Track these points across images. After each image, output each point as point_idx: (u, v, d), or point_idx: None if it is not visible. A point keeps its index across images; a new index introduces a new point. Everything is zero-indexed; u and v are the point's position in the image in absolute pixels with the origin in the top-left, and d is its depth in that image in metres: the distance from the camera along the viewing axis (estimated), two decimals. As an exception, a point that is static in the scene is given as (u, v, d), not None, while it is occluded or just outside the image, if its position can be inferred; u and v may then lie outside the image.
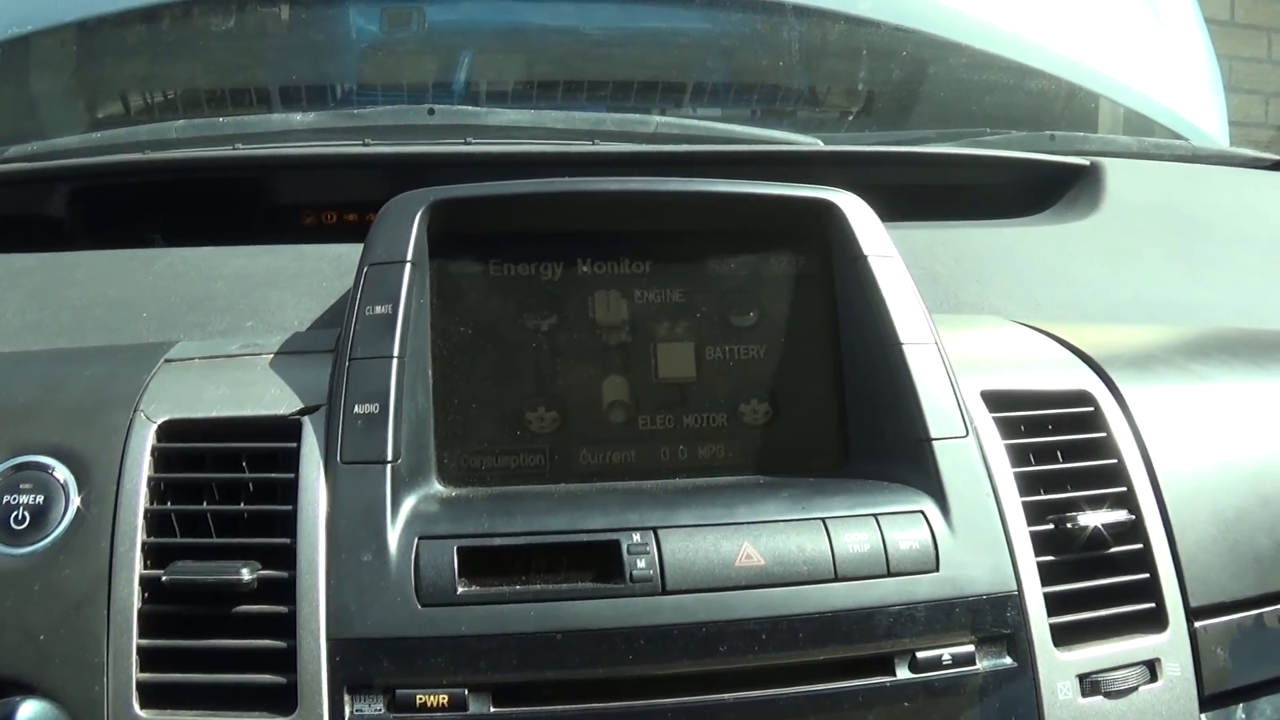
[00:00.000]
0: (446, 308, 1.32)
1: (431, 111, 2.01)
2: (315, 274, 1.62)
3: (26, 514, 1.19)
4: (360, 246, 1.45)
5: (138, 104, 2.31)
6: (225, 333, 1.53)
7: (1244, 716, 1.32)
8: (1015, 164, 2.09)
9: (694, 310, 1.36)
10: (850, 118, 2.42)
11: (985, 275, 1.77)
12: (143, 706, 1.12)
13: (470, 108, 2.07)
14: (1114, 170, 2.09)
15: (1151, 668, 1.28)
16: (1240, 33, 4.50)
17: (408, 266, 1.29)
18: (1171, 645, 1.29)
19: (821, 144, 2.04)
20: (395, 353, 1.25)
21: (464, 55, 2.39)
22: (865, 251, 1.35)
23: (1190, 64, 2.70)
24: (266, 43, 2.39)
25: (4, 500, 1.20)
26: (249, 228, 1.89)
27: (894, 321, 1.32)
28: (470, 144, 1.93)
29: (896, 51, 2.41)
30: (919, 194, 1.92)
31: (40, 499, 1.20)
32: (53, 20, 2.31)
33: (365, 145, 1.93)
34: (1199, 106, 2.59)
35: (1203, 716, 1.29)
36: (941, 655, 1.21)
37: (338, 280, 1.58)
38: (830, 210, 1.38)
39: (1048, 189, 2.08)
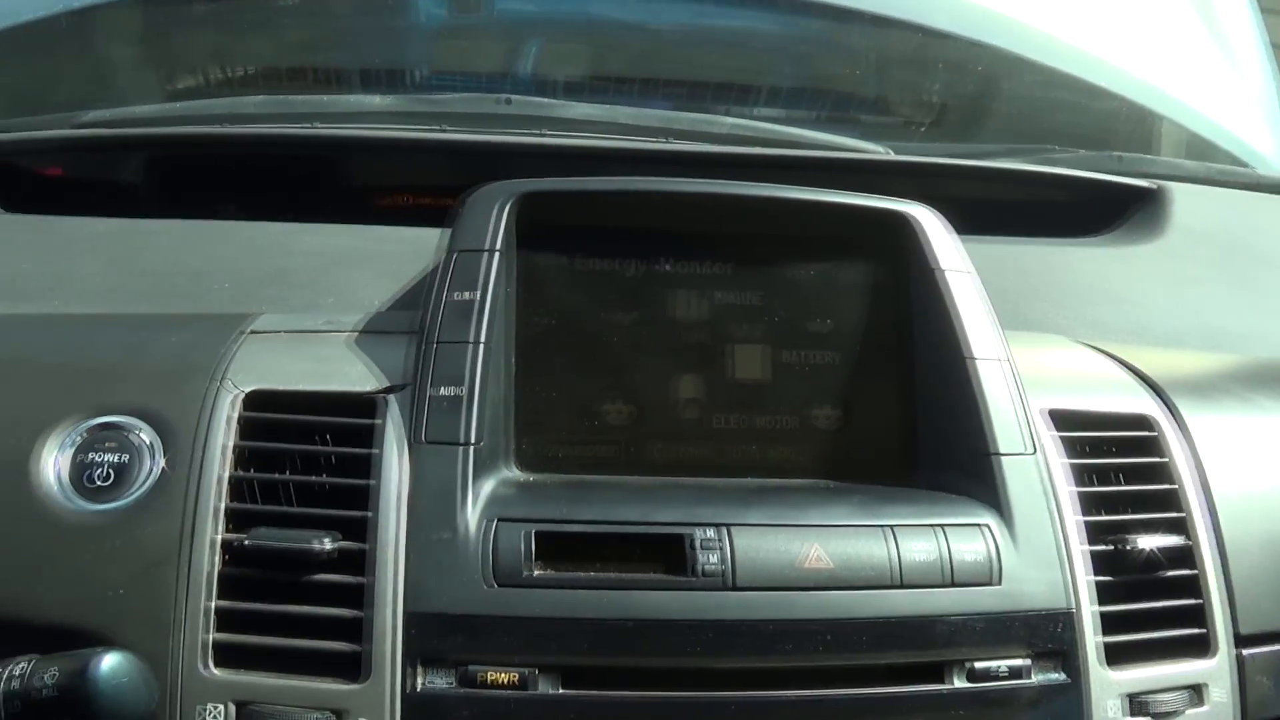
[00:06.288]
0: (529, 297, 1.34)
1: (508, 101, 2.03)
2: (392, 255, 1.64)
3: (110, 472, 1.22)
4: (434, 230, 1.48)
5: (216, 77, 2.32)
6: (304, 308, 1.55)
7: (1284, 745, 1.34)
8: (1082, 183, 2.10)
9: (770, 314, 1.38)
10: (920, 128, 2.42)
11: (1050, 293, 1.78)
12: (215, 665, 1.15)
13: (546, 99, 2.08)
14: (1179, 195, 2.09)
15: (1197, 692, 1.29)
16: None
17: (493, 255, 1.32)
18: (1218, 671, 1.30)
19: (891, 153, 2.05)
20: (480, 338, 1.28)
21: (542, 47, 2.39)
22: (940, 265, 1.38)
23: (1256, 91, 2.70)
24: (346, 23, 2.40)
25: (87, 458, 1.23)
26: (321, 206, 1.90)
27: (966, 336, 1.34)
28: (545, 136, 1.95)
29: (969, 65, 2.40)
30: (984, 208, 1.93)
31: (123, 458, 1.23)
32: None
33: (442, 131, 1.95)
34: (1263, 134, 2.59)
35: (1244, 743, 1.31)
36: (996, 667, 1.22)
37: (413, 262, 1.59)
38: (907, 223, 1.40)
39: (1112, 210, 2.08)
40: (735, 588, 1.18)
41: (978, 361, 1.33)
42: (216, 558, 1.18)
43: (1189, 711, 1.28)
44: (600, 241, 1.37)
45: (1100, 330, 1.72)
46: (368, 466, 1.23)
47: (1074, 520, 1.30)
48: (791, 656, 1.18)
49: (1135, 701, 1.26)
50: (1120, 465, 1.37)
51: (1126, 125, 2.43)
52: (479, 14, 2.41)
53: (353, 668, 1.16)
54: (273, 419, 1.26)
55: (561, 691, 1.16)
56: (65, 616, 1.16)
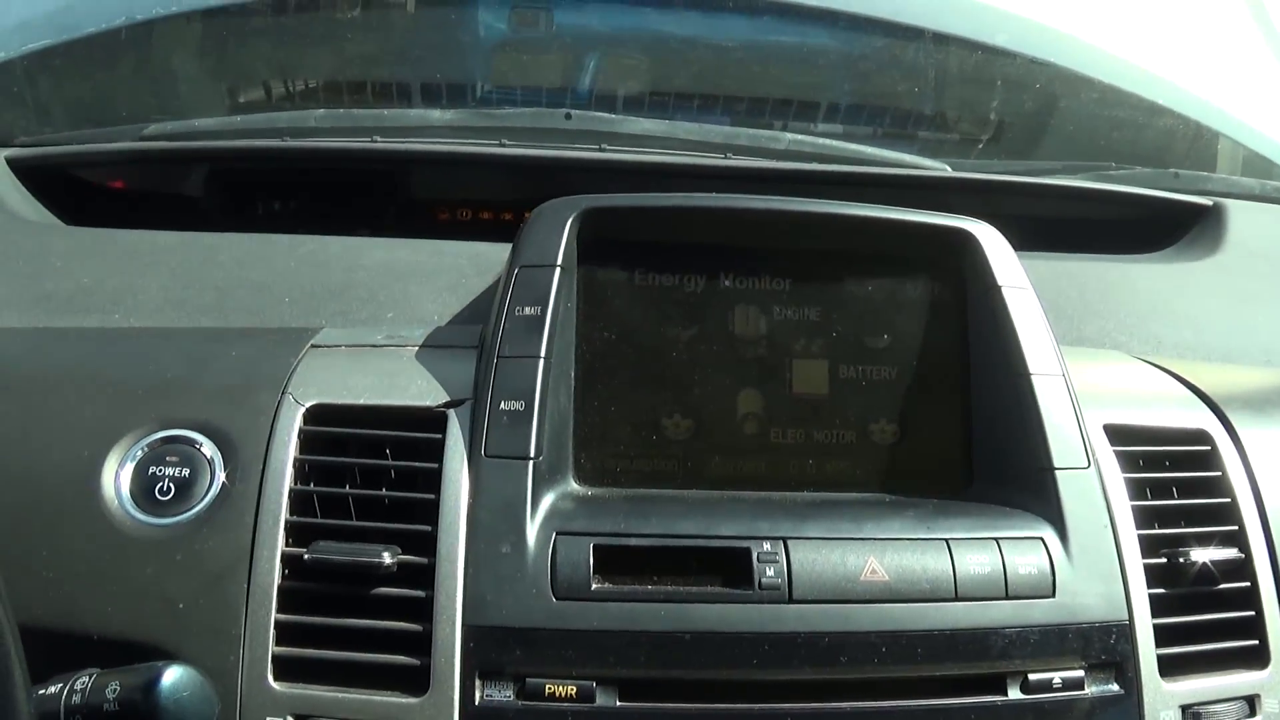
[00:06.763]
0: (592, 312, 1.35)
1: (569, 116, 2.03)
2: (454, 270, 1.66)
3: (171, 486, 1.24)
4: (496, 245, 1.50)
5: (278, 91, 2.33)
6: (366, 322, 1.57)
7: (1339, 756, 1.34)
8: (1140, 200, 2.10)
9: (830, 329, 1.38)
10: (978, 145, 2.41)
11: (1108, 309, 1.79)
12: (276, 679, 1.16)
13: (606, 114, 2.08)
14: (1236, 212, 2.09)
15: (1251, 703, 1.30)
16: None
17: (557, 270, 1.33)
18: (1272, 682, 1.31)
19: (949, 170, 2.06)
20: (542, 353, 1.29)
21: (601, 62, 2.39)
22: (1000, 282, 1.38)
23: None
24: (408, 38, 2.40)
25: (150, 472, 1.25)
26: (382, 220, 1.93)
27: (1024, 352, 1.35)
28: (605, 151, 1.96)
29: (1028, 82, 2.38)
30: (1042, 224, 1.93)
31: (186, 472, 1.24)
32: (198, 3, 2.34)
33: (502, 145, 1.96)
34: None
35: (1298, 754, 1.31)
36: (1052, 678, 1.24)
37: (476, 277, 1.61)
38: (967, 240, 1.41)
39: (1170, 227, 2.09)
40: (793, 600, 1.19)
41: (1036, 377, 1.34)
42: (277, 571, 1.19)
43: (1243, 722, 1.30)
44: (661, 257, 1.38)
45: (1157, 346, 1.73)
46: (430, 480, 1.24)
47: (1130, 533, 1.30)
48: (848, 669, 1.19)
49: (1189, 713, 1.27)
50: (1176, 479, 1.38)
51: (1184, 143, 2.41)
52: (539, 29, 2.40)
53: (413, 681, 1.17)
54: (335, 433, 1.28)
55: (620, 704, 1.17)
56: (127, 630, 1.18)
